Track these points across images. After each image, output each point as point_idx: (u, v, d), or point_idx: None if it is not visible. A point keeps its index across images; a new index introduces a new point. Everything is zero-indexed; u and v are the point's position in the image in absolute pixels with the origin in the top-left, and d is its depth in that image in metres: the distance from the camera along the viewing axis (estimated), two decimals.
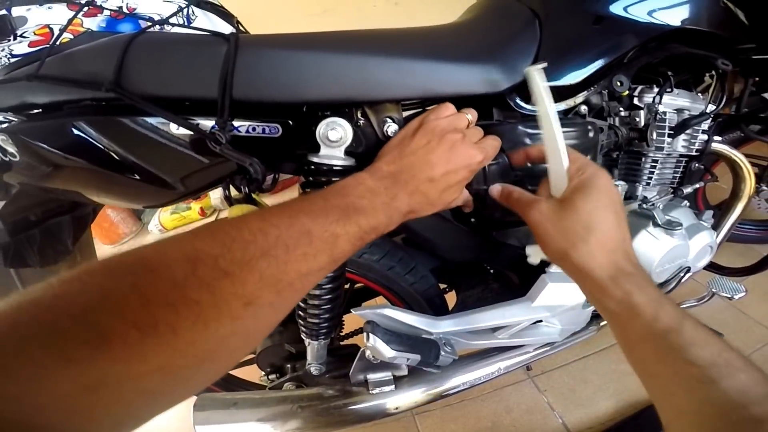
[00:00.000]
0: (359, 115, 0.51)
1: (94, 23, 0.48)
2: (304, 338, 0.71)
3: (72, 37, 0.46)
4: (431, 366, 0.67)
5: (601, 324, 0.85)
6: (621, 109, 0.69)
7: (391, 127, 0.51)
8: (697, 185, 0.80)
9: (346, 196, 0.37)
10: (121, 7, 0.50)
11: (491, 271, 0.82)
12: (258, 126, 0.48)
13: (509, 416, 1.06)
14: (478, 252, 0.71)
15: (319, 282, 0.58)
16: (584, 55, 0.60)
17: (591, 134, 0.60)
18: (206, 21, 0.55)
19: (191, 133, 0.45)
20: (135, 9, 0.50)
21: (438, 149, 0.42)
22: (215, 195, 2.21)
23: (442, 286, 0.89)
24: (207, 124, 0.45)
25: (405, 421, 1.11)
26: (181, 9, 0.52)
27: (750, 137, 0.95)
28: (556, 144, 0.43)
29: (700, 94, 0.77)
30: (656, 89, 0.68)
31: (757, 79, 0.79)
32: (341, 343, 0.93)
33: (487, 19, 0.64)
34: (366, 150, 0.51)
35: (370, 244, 0.66)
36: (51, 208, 0.65)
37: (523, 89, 0.55)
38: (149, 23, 0.49)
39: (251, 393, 0.82)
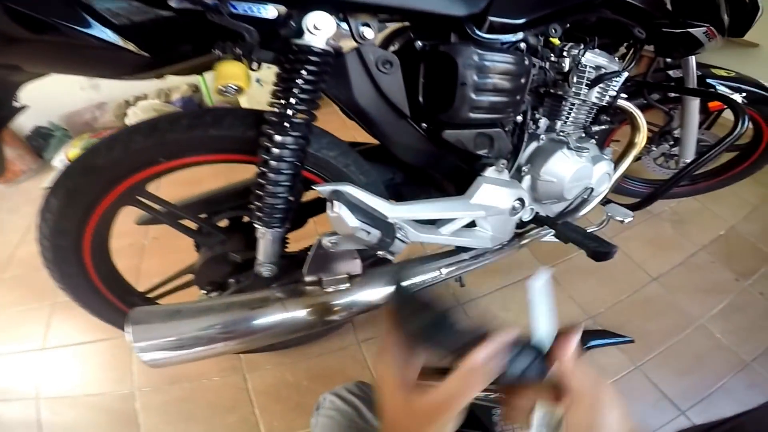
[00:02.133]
0: (340, 15, 0.60)
1: None
2: (258, 227, 0.72)
3: None
4: (387, 249, 0.73)
5: (522, 242, 1.01)
6: (552, 55, 0.83)
7: (366, 31, 0.63)
8: (603, 127, 0.98)
9: None
10: None
11: (433, 182, 0.93)
12: (255, 7, 0.55)
13: None
14: (428, 156, 0.81)
15: (279, 166, 0.66)
16: (531, 2, 0.72)
17: (526, 62, 0.73)
18: None
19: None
20: None
21: None
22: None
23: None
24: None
25: (352, 350, 1.20)
26: None
27: (650, 104, 1.17)
28: None
29: (616, 58, 0.92)
30: (582, 46, 0.81)
31: (665, 54, 0.99)
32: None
33: None
34: (342, 45, 0.62)
35: (327, 140, 0.74)
36: None
37: (478, 19, 0.67)
38: None
39: (195, 303, 0.77)
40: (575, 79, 0.83)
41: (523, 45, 0.76)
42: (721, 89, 1.13)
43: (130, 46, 0.51)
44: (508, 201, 0.82)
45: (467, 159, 0.82)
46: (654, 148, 1.32)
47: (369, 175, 0.80)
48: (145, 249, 1.61)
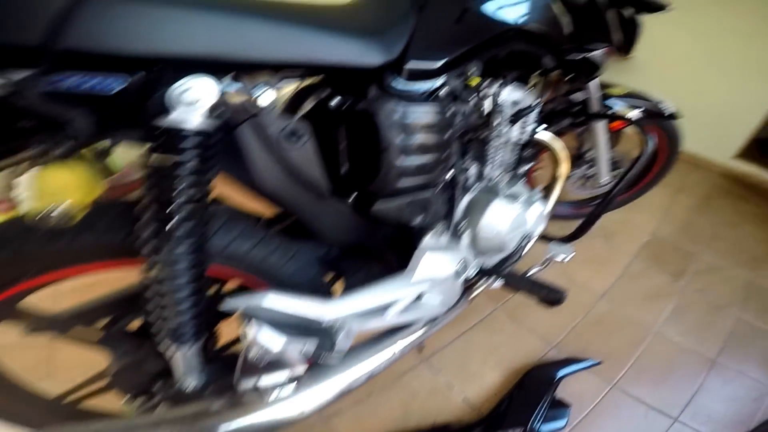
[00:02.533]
0: (230, 78, 0.48)
1: None
2: (164, 347, 0.60)
3: None
4: (329, 355, 0.64)
5: (472, 296, 0.96)
6: (472, 97, 0.79)
7: (265, 94, 0.49)
8: (530, 165, 0.98)
9: None
10: None
11: (372, 253, 0.84)
12: (90, 80, 0.39)
13: (416, 401, 1.11)
14: (358, 232, 0.73)
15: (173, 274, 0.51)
16: (448, 42, 0.68)
17: (448, 113, 0.69)
18: None
19: None
20: None
21: None
22: None
23: (330, 278, 0.87)
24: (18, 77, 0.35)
25: (319, 426, 1.06)
26: None
27: (562, 131, 1.22)
28: None
29: (529, 89, 0.91)
30: (499, 82, 0.80)
31: (570, 80, 1.02)
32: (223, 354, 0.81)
33: (374, 1, 0.68)
34: (232, 117, 0.48)
35: (238, 231, 0.62)
36: None
37: (395, 67, 0.61)
38: None
39: (112, 422, 0.67)
40: (497, 120, 0.81)
41: (444, 91, 0.71)
42: (619, 108, 1.20)
43: None
44: (452, 266, 0.76)
45: (403, 228, 0.75)
46: (572, 173, 1.38)
47: (298, 259, 0.69)
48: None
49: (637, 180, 1.58)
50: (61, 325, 0.65)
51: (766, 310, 1.52)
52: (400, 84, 0.62)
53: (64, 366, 1.11)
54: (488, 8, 0.70)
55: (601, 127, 1.22)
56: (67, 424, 0.72)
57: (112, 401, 0.77)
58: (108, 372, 0.71)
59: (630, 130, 1.43)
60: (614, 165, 1.35)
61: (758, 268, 1.73)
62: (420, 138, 0.64)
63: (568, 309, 1.38)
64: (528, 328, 1.32)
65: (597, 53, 0.95)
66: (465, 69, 0.73)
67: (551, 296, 0.82)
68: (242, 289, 0.74)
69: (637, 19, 1.02)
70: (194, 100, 0.43)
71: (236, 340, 0.81)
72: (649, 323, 1.38)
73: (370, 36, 0.58)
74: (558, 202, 1.63)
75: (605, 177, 1.28)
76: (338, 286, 0.86)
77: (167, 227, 0.49)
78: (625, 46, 1.03)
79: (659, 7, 0.93)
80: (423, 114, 0.64)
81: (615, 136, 1.39)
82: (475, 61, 0.74)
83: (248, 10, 0.47)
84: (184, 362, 0.63)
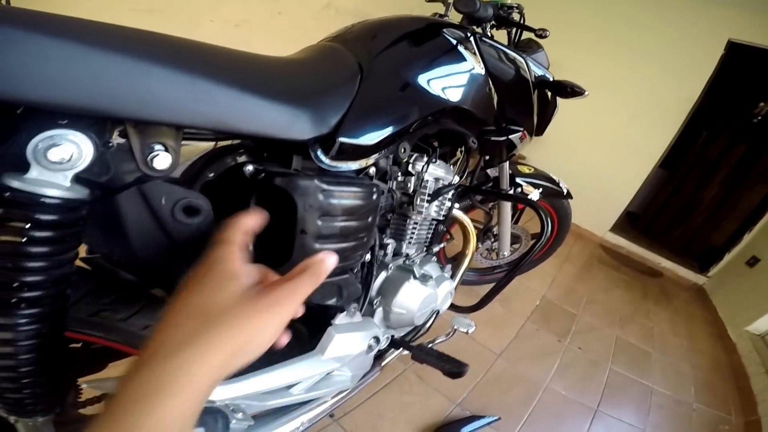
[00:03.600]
0: (116, 134, 0.39)
1: None
2: (8, 416, 0.46)
3: None
4: None
5: (383, 364, 0.99)
6: (399, 173, 0.78)
7: (159, 157, 0.40)
8: (443, 244, 1.07)
9: None
10: None
11: None
12: None
13: None
14: None
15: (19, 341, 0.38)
16: (386, 117, 0.62)
17: (374, 197, 0.63)
18: None
19: None
20: None
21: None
22: None
23: None
24: None
25: None
26: None
27: (474, 206, 1.35)
28: None
29: (451, 166, 0.92)
30: (425, 158, 0.79)
31: (486, 157, 1.07)
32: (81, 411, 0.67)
33: (315, 62, 0.62)
34: (111, 181, 0.39)
35: (112, 297, 0.53)
36: None
37: (326, 142, 0.54)
38: None
39: None
40: (419, 197, 0.80)
41: (372, 170, 0.67)
42: (525, 187, 1.33)
43: None
44: (364, 343, 0.78)
45: (316, 307, 0.75)
46: (480, 245, 1.52)
47: None
48: None
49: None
50: None
51: (634, 362, 1.79)
52: (327, 161, 0.56)
53: None
54: (431, 83, 0.68)
55: (508, 206, 1.35)
56: None
57: None
58: None
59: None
60: (514, 239, 1.52)
61: (625, 326, 2.05)
62: (341, 223, 0.58)
63: (470, 368, 1.50)
64: (434, 387, 1.37)
65: (516, 135, 0.98)
66: (398, 146, 0.70)
67: (455, 369, 0.86)
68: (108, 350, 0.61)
69: (554, 103, 1.10)
70: (61, 160, 0.34)
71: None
72: (539, 380, 1.53)
73: (304, 106, 0.51)
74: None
75: (507, 250, 1.43)
76: None
77: (9, 300, 0.37)
78: (540, 129, 1.11)
79: (578, 93, 0.95)
80: (349, 196, 0.57)
81: (516, 214, 1.57)
82: (408, 138, 0.71)
83: (149, 55, 0.37)
84: None
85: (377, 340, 0.82)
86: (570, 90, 0.96)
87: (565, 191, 1.40)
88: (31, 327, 0.39)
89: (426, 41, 0.73)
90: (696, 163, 3.49)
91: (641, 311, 2.31)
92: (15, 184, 0.33)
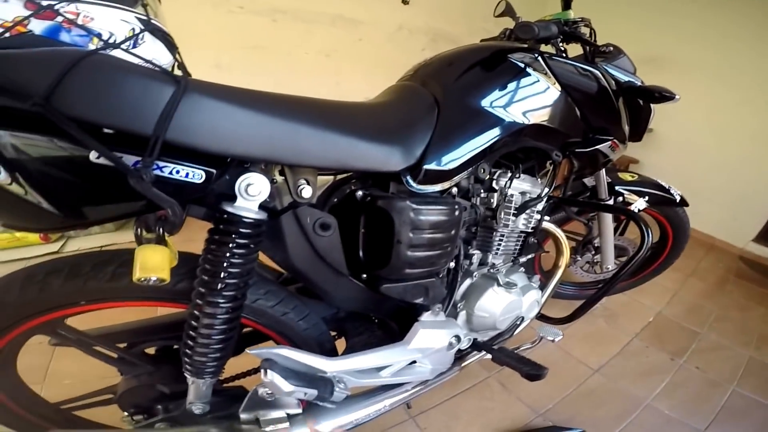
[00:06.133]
0: (277, 173, 0.59)
1: (40, 26, 0.44)
2: (188, 376, 0.69)
3: (8, 35, 0.42)
4: (327, 401, 0.74)
5: (463, 364, 1.04)
6: (482, 190, 0.85)
7: (305, 189, 0.60)
8: (531, 256, 1.07)
9: None
10: (77, 16, 0.46)
11: (376, 320, 0.94)
12: (183, 170, 0.50)
13: None
14: (367, 303, 0.83)
15: (212, 323, 0.61)
16: (464, 143, 0.73)
17: (456, 213, 0.75)
18: (152, 47, 0.52)
19: (109, 163, 0.44)
20: (91, 20, 0.47)
21: None
22: None
23: (333, 333, 0.95)
24: (129, 158, 0.45)
25: None
26: (136, 35, 0.50)
27: (570, 217, 1.29)
28: None
29: (539, 179, 0.94)
30: (509, 174, 0.84)
31: (579, 171, 1.04)
32: (224, 385, 0.90)
33: (398, 104, 0.75)
34: (279, 206, 0.61)
35: (265, 290, 0.73)
36: None
37: (414, 170, 0.69)
38: (100, 43, 0.46)
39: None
40: (504, 211, 0.86)
41: (454, 189, 0.79)
42: (628, 195, 1.24)
43: (42, 203, 0.46)
44: (445, 340, 0.86)
45: (406, 303, 0.84)
46: (579, 258, 1.44)
47: (309, 319, 0.80)
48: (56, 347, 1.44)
49: (642, 267, 1.62)
50: (87, 342, 0.74)
51: (766, 384, 1.51)
52: (416, 185, 0.70)
53: (58, 375, 1.22)
54: (501, 107, 0.75)
55: (608, 216, 1.27)
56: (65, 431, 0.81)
57: (106, 413, 0.84)
58: (116, 389, 0.81)
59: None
60: (620, 251, 1.41)
61: (764, 347, 1.71)
62: (429, 235, 0.71)
63: (560, 380, 1.42)
64: (517, 396, 1.35)
65: (605, 145, 0.97)
66: (477, 167, 0.78)
67: (533, 371, 0.88)
68: (255, 335, 0.85)
69: (648, 107, 1.03)
70: (255, 193, 0.55)
71: (237, 376, 0.92)
72: (640, 397, 1.38)
73: (395, 143, 0.66)
74: (563, 282, 1.69)
75: (610, 264, 1.34)
76: (340, 343, 0.96)
77: (218, 285, 0.60)
78: (636, 134, 1.05)
79: (668, 98, 0.92)
80: (434, 214, 0.71)
81: (621, 225, 1.45)
82: (487, 159, 0.79)
83: (297, 118, 0.55)
84: (197, 391, 0.72)
85: (458, 338, 0.88)
86: (658, 95, 0.92)
87: (677, 198, 1.27)
88: (228, 305, 0.62)
89: (493, 68, 0.80)
90: None
91: None
92: (229, 209, 0.56)
